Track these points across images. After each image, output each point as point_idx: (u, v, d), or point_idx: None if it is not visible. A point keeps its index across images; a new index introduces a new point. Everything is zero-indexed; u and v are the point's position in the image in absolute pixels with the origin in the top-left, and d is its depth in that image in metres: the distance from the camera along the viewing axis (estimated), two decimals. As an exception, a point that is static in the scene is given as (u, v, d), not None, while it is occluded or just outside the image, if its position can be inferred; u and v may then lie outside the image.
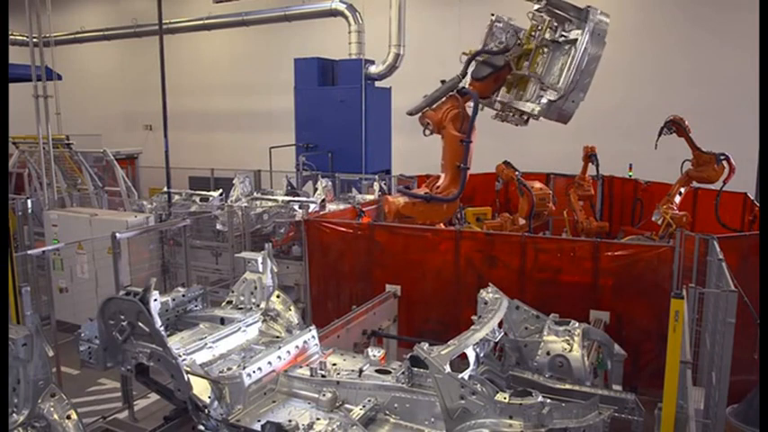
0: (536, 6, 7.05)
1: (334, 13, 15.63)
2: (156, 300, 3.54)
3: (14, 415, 3.13)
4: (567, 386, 3.82)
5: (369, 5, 16.30)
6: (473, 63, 7.63)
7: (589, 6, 6.84)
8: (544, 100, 6.86)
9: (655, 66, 14.82)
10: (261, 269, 4.65)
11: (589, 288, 6.41)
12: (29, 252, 7.72)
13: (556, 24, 7.11)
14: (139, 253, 8.73)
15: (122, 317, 3.52)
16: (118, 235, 6.84)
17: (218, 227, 10.03)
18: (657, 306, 5.85)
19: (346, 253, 7.66)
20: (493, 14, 7.61)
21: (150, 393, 6.93)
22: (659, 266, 6.14)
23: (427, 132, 7.75)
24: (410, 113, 7.87)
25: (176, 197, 11.03)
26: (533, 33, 7.33)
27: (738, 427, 4.97)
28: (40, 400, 3.19)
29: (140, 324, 3.47)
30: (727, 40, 13.94)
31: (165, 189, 10.54)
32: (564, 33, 6.94)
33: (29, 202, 10.11)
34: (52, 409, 3.19)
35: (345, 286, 7.67)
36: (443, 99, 7.65)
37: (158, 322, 3.49)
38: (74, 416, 3.20)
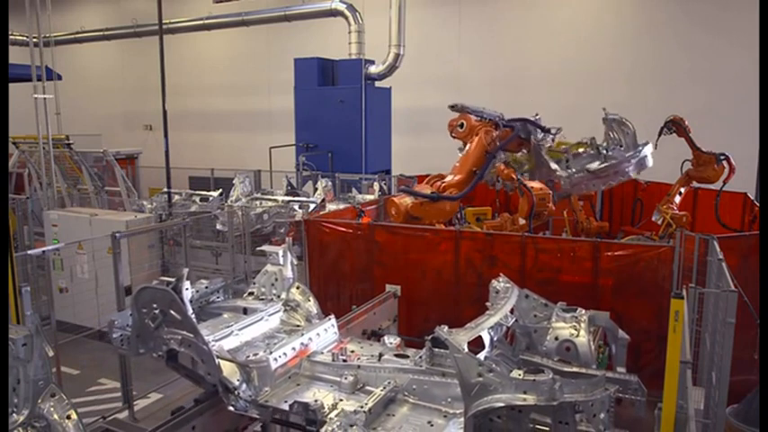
0: (606, 116, 8.67)
1: (334, 13, 15.65)
2: (187, 289, 3.76)
3: (14, 415, 3.12)
4: (575, 369, 3.95)
5: (369, 5, 16.31)
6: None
7: (648, 141, 8.59)
8: (565, 173, 8.55)
9: (655, 66, 14.81)
10: (281, 261, 4.87)
11: (589, 288, 6.41)
12: (29, 252, 7.73)
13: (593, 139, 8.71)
14: (139, 253, 8.75)
15: (155, 305, 3.69)
16: (118, 235, 6.84)
17: (218, 227, 10.06)
18: (657, 306, 5.87)
19: (346, 253, 7.66)
20: (537, 114, 8.89)
21: (150, 393, 6.97)
22: (659, 266, 6.14)
23: (454, 134, 8.25)
24: (452, 107, 8.33)
25: (176, 197, 11.05)
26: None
27: (738, 427, 4.97)
28: (40, 400, 3.18)
29: (172, 312, 3.64)
30: (727, 40, 13.93)
31: (165, 189, 10.55)
32: (605, 148, 8.63)
33: (29, 202, 10.12)
34: (52, 409, 3.18)
35: (345, 286, 7.67)
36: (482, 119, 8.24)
37: (190, 310, 3.68)
38: (74, 416, 3.19)
